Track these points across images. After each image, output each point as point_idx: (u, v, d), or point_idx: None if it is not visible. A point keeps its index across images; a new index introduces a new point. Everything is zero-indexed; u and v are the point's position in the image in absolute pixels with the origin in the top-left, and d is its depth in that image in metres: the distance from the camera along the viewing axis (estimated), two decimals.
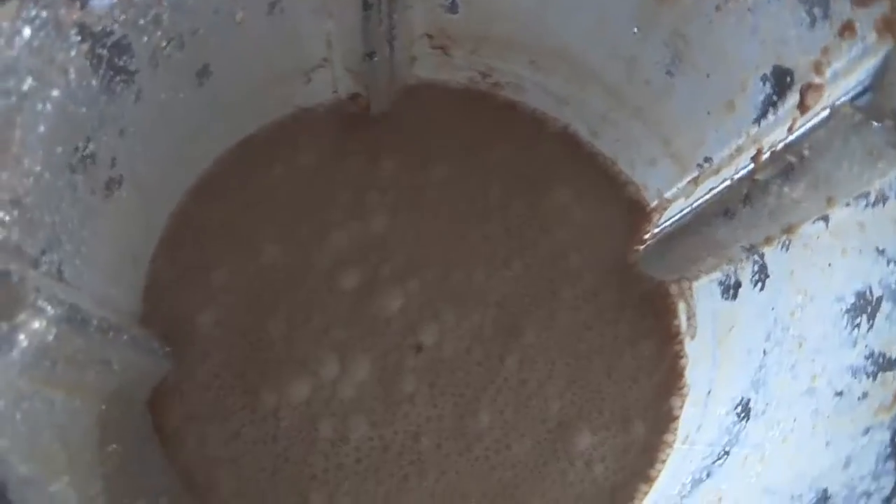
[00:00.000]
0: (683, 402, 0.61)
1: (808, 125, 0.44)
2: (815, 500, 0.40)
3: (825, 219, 0.45)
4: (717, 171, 0.55)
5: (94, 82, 0.46)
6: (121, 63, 0.48)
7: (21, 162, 0.41)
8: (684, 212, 0.59)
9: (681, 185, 0.60)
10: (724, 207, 0.52)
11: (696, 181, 0.58)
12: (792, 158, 0.44)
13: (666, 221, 0.62)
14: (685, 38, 0.52)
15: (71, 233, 0.47)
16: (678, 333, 0.63)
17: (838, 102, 0.42)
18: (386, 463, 0.58)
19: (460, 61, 0.65)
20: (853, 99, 0.41)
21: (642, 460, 0.60)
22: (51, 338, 0.40)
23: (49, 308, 0.40)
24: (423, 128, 0.66)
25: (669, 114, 0.58)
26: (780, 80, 0.47)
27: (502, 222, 0.64)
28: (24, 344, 0.38)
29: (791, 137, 0.46)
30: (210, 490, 0.56)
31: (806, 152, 0.44)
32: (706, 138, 0.55)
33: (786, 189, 0.46)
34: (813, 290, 0.47)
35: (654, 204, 0.64)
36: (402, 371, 0.59)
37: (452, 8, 0.60)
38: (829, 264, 0.45)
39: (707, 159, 0.56)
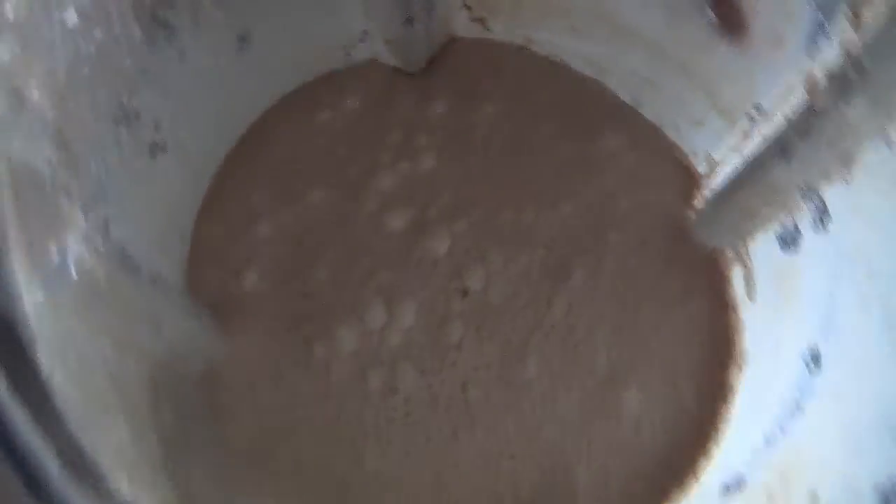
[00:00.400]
0: (741, 371, 0.58)
1: (866, 32, 0.43)
2: None
3: (886, 139, 0.44)
4: (768, 117, 0.54)
5: (136, 31, 0.46)
6: (163, 15, 0.47)
7: (66, 100, 0.41)
8: (737, 166, 0.57)
9: (731, 141, 0.58)
10: (780, 146, 0.50)
11: (746, 134, 0.56)
12: (851, 72, 0.43)
13: (717, 182, 0.60)
14: None
15: (118, 192, 0.46)
16: (734, 303, 0.60)
17: None
18: (436, 416, 0.56)
19: (499, 36, 0.65)
20: None
21: (698, 431, 0.57)
22: (101, 277, 0.39)
23: (100, 240, 0.39)
24: (471, 74, 0.65)
25: (715, 63, 0.57)
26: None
27: (551, 163, 0.63)
28: (75, 277, 0.37)
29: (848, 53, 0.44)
30: (271, 462, 0.55)
31: (865, 62, 0.42)
32: (755, 82, 0.54)
33: (844, 110, 0.45)
34: (880, 217, 0.45)
35: (702, 169, 0.63)
36: (450, 316, 0.58)
37: None
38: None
39: (756, 106, 0.55)
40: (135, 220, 0.48)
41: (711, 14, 0.54)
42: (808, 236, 0.52)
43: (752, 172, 0.54)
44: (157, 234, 0.51)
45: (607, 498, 0.56)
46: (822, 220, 0.50)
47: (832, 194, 0.49)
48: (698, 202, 0.62)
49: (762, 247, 0.57)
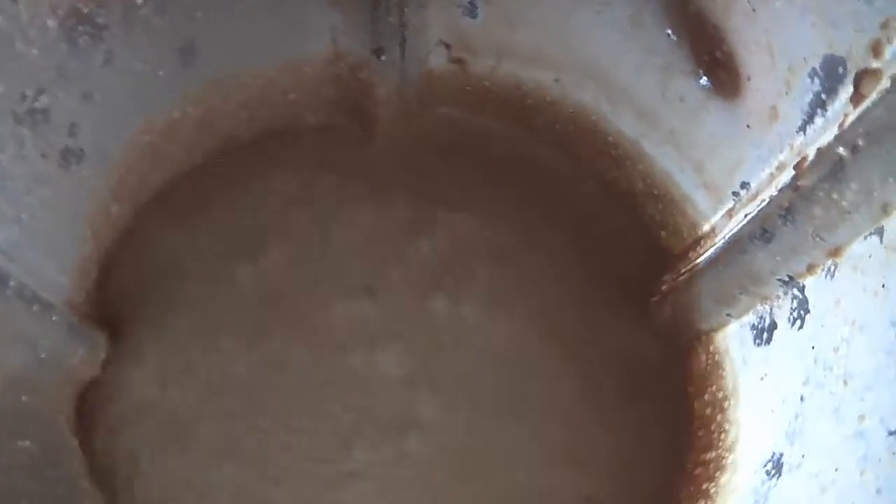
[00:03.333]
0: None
1: (863, 108, 0.37)
2: None
3: (879, 232, 0.38)
4: (754, 197, 0.49)
5: (50, 23, 0.41)
6: (86, 10, 0.42)
7: None
8: (715, 247, 0.52)
9: (714, 219, 0.53)
10: (762, 227, 0.45)
11: (730, 212, 0.51)
12: (843, 151, 0.38)
13: (694, 263, 0.54)
14: (724, 34, 0.46)
15: (12, 195, 0.41)
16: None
17: None
18: None
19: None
20: None
21: None
22: None
23: None
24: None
25: (705, 133, 0.52)
26: (831, 73, 0.40)
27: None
28: None
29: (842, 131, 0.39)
30: None
31: (860, 141, 0.37)
32: (744, 157, 0.49)
33: (834, 195, 0.39)
34: (863, 319, 0.39)
35: (679, 249, 0.57)
36: None
37: (472, 10, 0.55)
38: (883, 285, 0.38)
39: (744, 185, 0.50)
40: (31, 226, 0.43)
41: (705, 78, 0.49)
42: (784, 330, 0.46)
43: (731, 254, 0.49)
44: (49, 240, 0.45)
45: None
46: (800, 315, 0.45)
47: (813, 287, 0.43)
48: (664, 287, 0.56)
49: (733, 338, 0.51)
